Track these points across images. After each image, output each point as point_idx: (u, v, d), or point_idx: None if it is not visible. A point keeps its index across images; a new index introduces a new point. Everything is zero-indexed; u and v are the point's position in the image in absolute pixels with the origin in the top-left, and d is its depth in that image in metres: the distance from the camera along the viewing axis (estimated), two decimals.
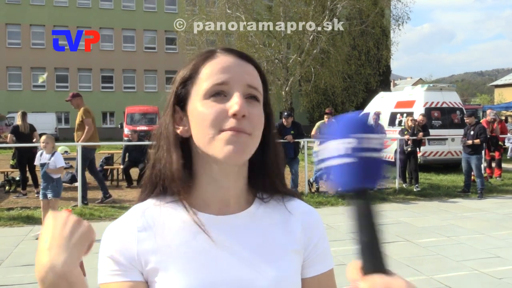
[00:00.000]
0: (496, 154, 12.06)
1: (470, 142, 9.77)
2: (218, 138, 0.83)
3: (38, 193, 9.38)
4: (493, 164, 12.32)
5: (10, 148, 11.66)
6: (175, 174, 0.88)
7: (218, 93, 0.85)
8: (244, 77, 0.87)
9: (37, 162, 6.63)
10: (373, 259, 0.61)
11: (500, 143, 12.09)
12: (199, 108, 0.85)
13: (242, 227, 0.90)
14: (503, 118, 13.43)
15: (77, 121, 8.93)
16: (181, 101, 0.90)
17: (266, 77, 0.94)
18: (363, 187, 0.63)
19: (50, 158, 6.56)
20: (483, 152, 10.18)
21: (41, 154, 6.57)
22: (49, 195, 6.50)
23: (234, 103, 0.83)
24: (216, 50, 0.92)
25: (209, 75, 0.86)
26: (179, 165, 0.88)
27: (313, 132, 10.34)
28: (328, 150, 0.64)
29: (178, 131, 0.89)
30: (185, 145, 0.90)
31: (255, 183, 0.94)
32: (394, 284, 0.54)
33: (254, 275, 0.86)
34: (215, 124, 0.83)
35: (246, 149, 0.84)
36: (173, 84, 0.93)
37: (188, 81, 0.89)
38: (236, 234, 0.88)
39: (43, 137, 6.67)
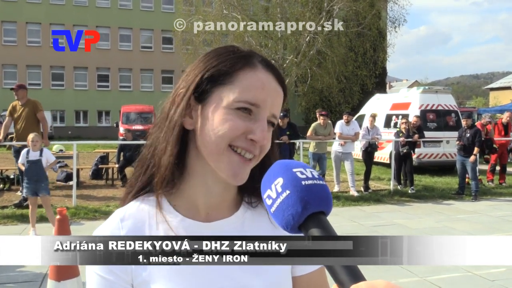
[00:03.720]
0: (492, 158, 12.09)
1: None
2: (226, 155, 0.82)
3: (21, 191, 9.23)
4: (495, 168, 12.30)
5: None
6: (165, 164, 0.85)
7: (245, 109, 0.82)
8: (274, 106, 0.84)
9: (23, 160, 6.55)
10: (348, 272, 0.61)
11: (494, 146, 12.12)
12: (220, 116, 0.82)
13: (231, 233, 0.88)
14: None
15: (26, 114, 8.17)
16: (200, 93, 0.84)
17: (287, 97, 0.91)
18: (311, 213, 0.63)
19: (41, 155, 6.53)
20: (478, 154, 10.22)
21: (27, 152, 6.52)
22: (43, 193, 6.48)
23: (259, 131, 0.81)
24: (255, 56, 0.86)
25: (244, 87, 0.82)
26: (172, 156, 0.85)
27: (308, 133, 10.35)
28: (269, 196, 0.66)
29: (183, 121, 0.85)
30: (185, 136, 0.86)
31: (244, 186, 0.90)
32: (378, 286, 0.54)
33: (246, 282, 0.86)
34: (229, 139, 0.81)
35: (247, 175, 0.84)
36: (193, 71, 0.86)
37: (218, 79, 0.83)
38: None
39: (32, 136, 6.59)
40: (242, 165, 0.83)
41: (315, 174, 0.67)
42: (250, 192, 0.93)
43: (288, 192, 0.64)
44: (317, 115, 11.94)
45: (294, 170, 0.66)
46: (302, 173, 0.66)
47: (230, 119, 0.81)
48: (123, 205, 0.91)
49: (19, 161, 6.68)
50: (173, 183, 0.87)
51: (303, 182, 0.64)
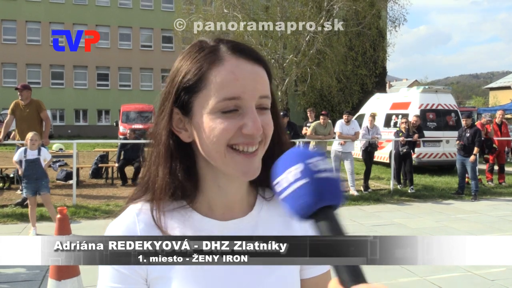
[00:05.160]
0: (490, 158, 12.08)
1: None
2: (229, 157, 0.80)
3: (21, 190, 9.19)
4: (493, 167, 12.28)
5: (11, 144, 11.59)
6: (159, 190, 0.85)
7: (230, 109, 0.79)
8: (257, 89, 0.80)
9: (19, 158, 6.53)
10: (350, 272, 0.61)
11: (494, 145, 12.12)
12: (209, 123, 0.80)
13: (246, 232, 0.88)
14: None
15: (30, 114, 8.20)
16: (182, 106, 0.83)
17: (271, 72, 0.88)
18: (323, 205, 0.64)
19: (39, 153, 6.53)
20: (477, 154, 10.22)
21: (24, 151, 6.50)
22: (44, 191, 6.49)
23: (250, 123, 0.79)
24: (220, 48, 0.82)
25: (218, 87, 0.79)
26: (164, 181, 0.84)
27: (308, 133, 10.36)
28: (282, 182, 0.66)
29: (180, 135, 0.85)
30: (188, 148, 0.86)
31: (257, 180, 0.89)
32: None
33: (257, 281, 0.86)
34: (224, 142, 0.80)
35: (259, 167, 0.83)
36: (169, 84, 0.85)
37: (192, 88, 0.81)
38: None
39: (32, 135, 6.57)
40: (249, 161, 0.81)
41: (330, 166, 0.67)
42: (264, 184, 0.93)
43: (303, 181, 0.64)
44: (308, 114, 12.01)
45: (311, 160, 0.66)
46: (318, 164, 0.65)
47: (219, 123, 0.79)
48: (131, 203, 0.90)
49: (15, 158, 6.66)
50: (189, 197, 0.87)
51: (319, 174, 0.64)
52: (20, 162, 6.53)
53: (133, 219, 0.86)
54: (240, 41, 0.88)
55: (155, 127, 0.87)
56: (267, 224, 0.91)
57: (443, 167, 14.07)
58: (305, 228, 0.94)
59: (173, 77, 0.84)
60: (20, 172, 6.63)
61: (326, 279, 0.96)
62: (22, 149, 6.61)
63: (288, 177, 0.65)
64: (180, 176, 0.85)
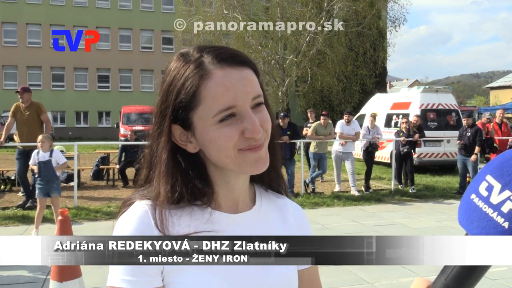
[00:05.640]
0: (492, 157, 12.06)
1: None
2: (240, 157, 0.84)
3: (23, 192, 9.14)
4: None
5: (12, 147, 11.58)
6: (162, 200, 0.86)
7: (228, 116, 0.82)
8: (248, 92, 0.84)
9: (32, 161, 6.59)
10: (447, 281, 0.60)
11: (495, 145, 12.11)
12: (211, 134, 0.83)
13: (252, 225, 0.93)
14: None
15: (31, 117, 8.24)
16: (181, 122, 0.86)
17: (258, 68, 0.90)
18: None
19: (50, 155, 6.57)
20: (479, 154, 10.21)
21: (37, 153, 6.56)
22: (54, 193, 6.52)
23: (250, 126, 0.82)
24: (203, 60, 0.84)
25: (212, 100, 0.82)
26: (164, 197, 0.86)
27: (309, 133, 10.35)
28: (482, 188, 0.58)
29: (186, 148, 0.88)
30: (196, 156, 0.89)
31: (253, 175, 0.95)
32: None
33: (266, 273, 0.90)
34: (233, 147, 0.83)
35: (267, 157, 0.87)
36: (162, 104, 0.87)
37: (187, 106, 0.84)
38: (248, 232, 0.90)
39: (40, 137, 6.66)
40: (257, 153, 0.85)
41: None
42: (261, 180, 0.99)
43: (502, 221, 0.56)
44: (309, 114, 12.05)
45: None
46: None
47: (221, 132, 0.83)
48: (135, 199, 0.90)
49: (30, 162, 6.76)
50: (205, 197, 0.89)
51: None
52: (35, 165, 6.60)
53: (146, 213, 0.85)
54: (222, 46, 0.89)
55: (153, 145, 0.90)
56: (268, 218, 0.97)
57: (444, 167, 14.06)
58: (298, 221, 1.01)
59: (165, 97, 0.87)
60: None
61: (315, 271, 1.03)
62: (35, 152, 6.67)
63: (493, 196, 0.56)
64: (198, 184, 0.88)
